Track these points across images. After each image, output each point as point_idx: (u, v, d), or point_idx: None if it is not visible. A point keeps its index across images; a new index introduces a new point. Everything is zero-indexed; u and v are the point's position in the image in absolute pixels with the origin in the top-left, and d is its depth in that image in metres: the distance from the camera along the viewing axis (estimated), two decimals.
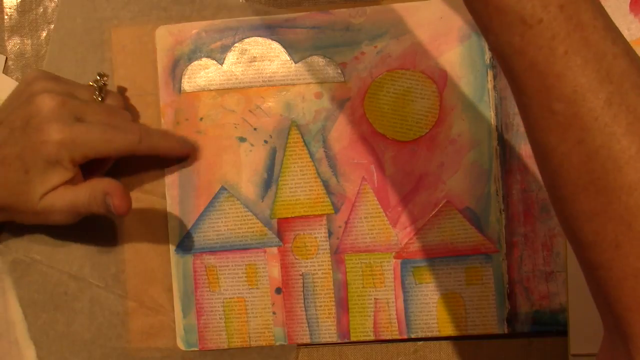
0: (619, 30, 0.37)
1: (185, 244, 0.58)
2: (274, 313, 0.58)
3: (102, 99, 0.55)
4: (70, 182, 0.53)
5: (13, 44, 0.60)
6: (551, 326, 0.56)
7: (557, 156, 0.36)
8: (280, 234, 0.58)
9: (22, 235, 0.59)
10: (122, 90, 0.58)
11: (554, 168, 0.37)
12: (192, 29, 0.58)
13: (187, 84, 0.58)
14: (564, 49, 0.35)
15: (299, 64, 0.58)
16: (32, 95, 0.53)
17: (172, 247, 0.58)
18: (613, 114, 0.35)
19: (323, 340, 0.58)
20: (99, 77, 0.56)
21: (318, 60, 0.58)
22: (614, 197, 0.35)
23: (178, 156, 0.58)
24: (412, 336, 0.57)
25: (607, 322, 0.39)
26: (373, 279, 0.57)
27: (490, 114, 0.56)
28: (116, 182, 0.52)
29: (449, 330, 0.57)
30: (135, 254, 0.58)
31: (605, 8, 0.37)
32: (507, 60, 0.37)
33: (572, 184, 0.36)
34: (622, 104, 0.35)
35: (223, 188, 0.58)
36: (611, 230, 0.35)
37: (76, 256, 0.59)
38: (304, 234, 0.58)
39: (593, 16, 0.36)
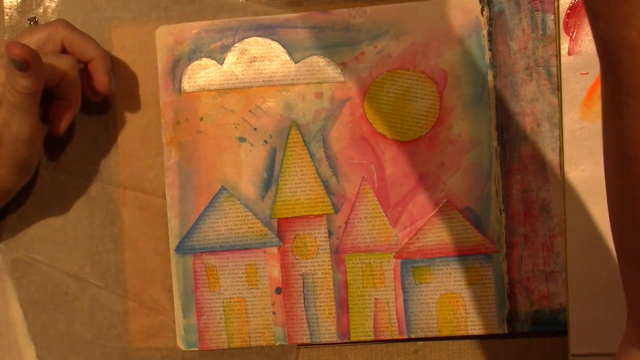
0: None
1: (185, 243, 0.58)
2: (274, 313, 0.58)
3: None
4: None
5: None
6: (551, 326, 0.56)
7: None
8: (280, 234, 0.58)
9: (22, 235, 0.59)
10: (122, 91, 0.58)
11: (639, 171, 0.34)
12: (192, 29, 0.58)
13: (187, 84, 0.58)
14: None
15: (299, 64, 0.58)
16: None
17: (172, 247, 0.58)
18: None
19: (323, 340, 0.57)
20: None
21: (318, 60, 0.58)
22: None
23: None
24: (412, 336, 0.57)
25: None
26: (373, 279, 0.57)
27: (490, 114, 0.56)
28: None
29: (449, 330, 0.57)
30: (135, 254, 0.58)
31: None
32: (614, 53, 0.32)
33: None
34: None
35: (223, 188, 0.58)
36: None
37: (76, 256, 0.59)
38: (304, 234, 0.58)
39: None
